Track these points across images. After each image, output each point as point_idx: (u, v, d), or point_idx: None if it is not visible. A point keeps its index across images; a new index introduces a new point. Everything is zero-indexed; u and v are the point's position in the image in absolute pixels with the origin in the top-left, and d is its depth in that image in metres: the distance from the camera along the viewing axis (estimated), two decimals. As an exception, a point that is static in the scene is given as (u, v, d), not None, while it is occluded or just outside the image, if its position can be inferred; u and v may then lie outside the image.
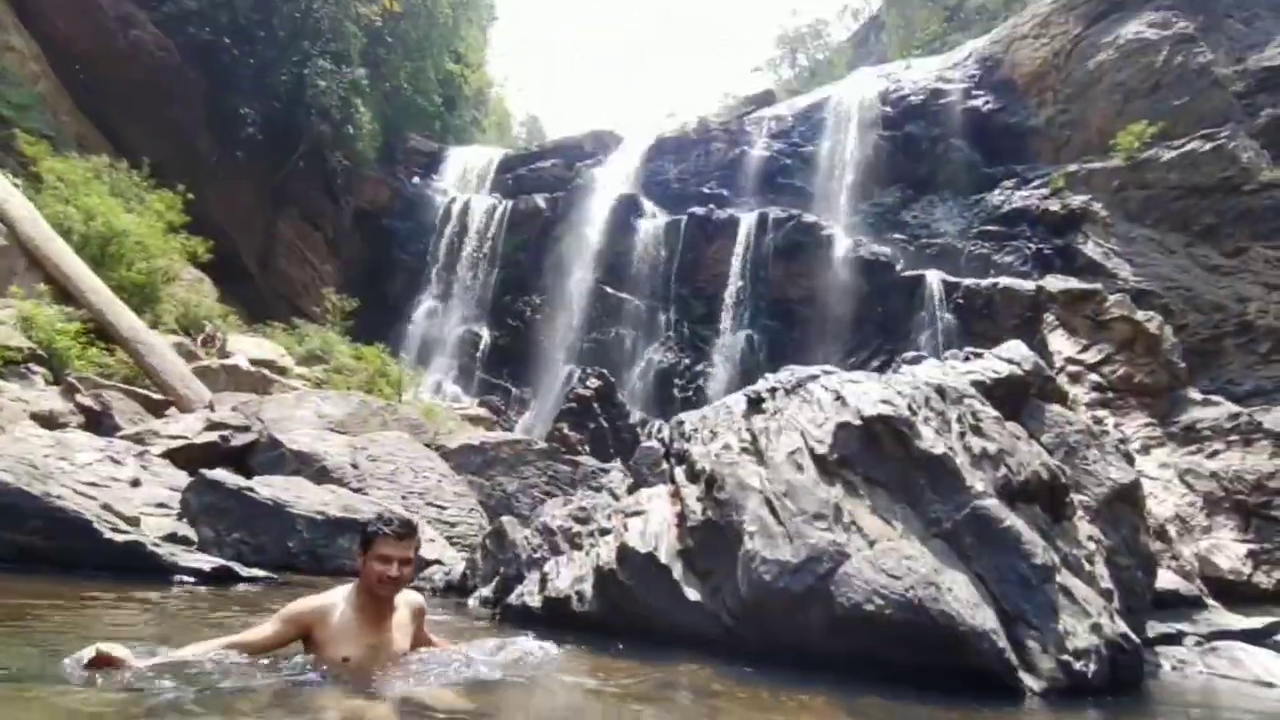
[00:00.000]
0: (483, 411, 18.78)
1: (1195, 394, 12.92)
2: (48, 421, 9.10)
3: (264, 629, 2.94)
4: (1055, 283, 14.79)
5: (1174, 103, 16.95)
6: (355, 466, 9.08)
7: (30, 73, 18.64)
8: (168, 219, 15.96)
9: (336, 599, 3.02)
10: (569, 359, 22.12)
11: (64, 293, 12.17)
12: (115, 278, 13.34)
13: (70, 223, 13.34)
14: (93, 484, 6.81)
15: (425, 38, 27.55)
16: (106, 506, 5.64)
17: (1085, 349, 13.48)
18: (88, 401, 9.90)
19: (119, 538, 5.07)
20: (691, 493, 4.95)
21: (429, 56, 28.18)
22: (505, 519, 6.09)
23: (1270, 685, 5.37)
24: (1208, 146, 16.00)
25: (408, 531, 3.08)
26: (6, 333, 9.76)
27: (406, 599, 3.27)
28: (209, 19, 20.39)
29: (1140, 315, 13.18)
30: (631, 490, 6.19)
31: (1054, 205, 17.80)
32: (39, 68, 18.91)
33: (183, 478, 8.16)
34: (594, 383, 17.14)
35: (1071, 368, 13.23)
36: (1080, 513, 5.49)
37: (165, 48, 20.37)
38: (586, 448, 15.69)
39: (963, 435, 4.83)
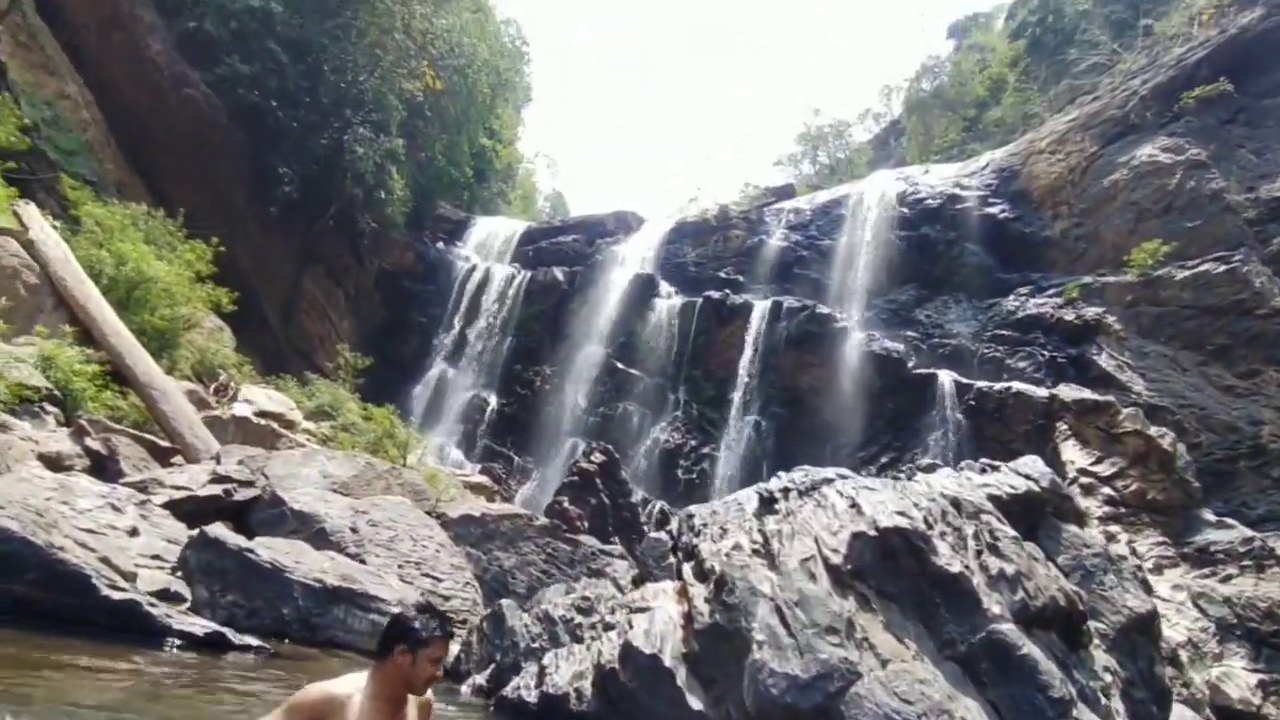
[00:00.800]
0: (484, 479, 18.62)
1: (1209, 515, 12.73)
2: (54, 463, 9.07)
3: None
4: (1069, 392, 14.82)
5: (1186, 224, 17.31)
6: (355, 531, 8.95)
7: (80, 120, 19.42)
8: (196, 268, 16.30)
9: (350, 689, 2.85)
10: (574, 432, 22.04)
11: (86, 334, 12.33)
12: (138, 322, 13.54)
13: (101, 266, 13.64)
14: (91, 531, 6.73)
15: (463, 113, 28.66)
16: (105, 560, 5.56)
17: (1098, 461, 13.38)
18: (95, 445, 9.88)
19: (115, 595, 4.97)
20: (699, 593, 4.86)
21: (464, 131, 29.25)
22: (505, 603, 5.95)
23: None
24: (1221, 269, 16.23)
25: (453, 630, 3.06)
26: (26, 372, 9.84)
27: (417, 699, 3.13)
28: (259, 83, 21.33)
29: (1154, 430, 13.14)
30: (637, 583, 6.07)
31: (1068, 315, 17.97)
32: (89, 115, 19.72)
33: (181, 530, 8.07)
34: (598, 457, 17.00)
35: (1084, 479, 13.10)
36: (1097, 641, 5.34)
37: (214, 107, 21.25)
38: (586, 524, 15.44)
39: (980, 554, 4.75)
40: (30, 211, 13.23)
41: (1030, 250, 20.17)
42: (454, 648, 6.42)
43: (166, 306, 14.44)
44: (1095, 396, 14.43)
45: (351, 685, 2.86)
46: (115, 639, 4.79)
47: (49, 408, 10.21)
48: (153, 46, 20.28)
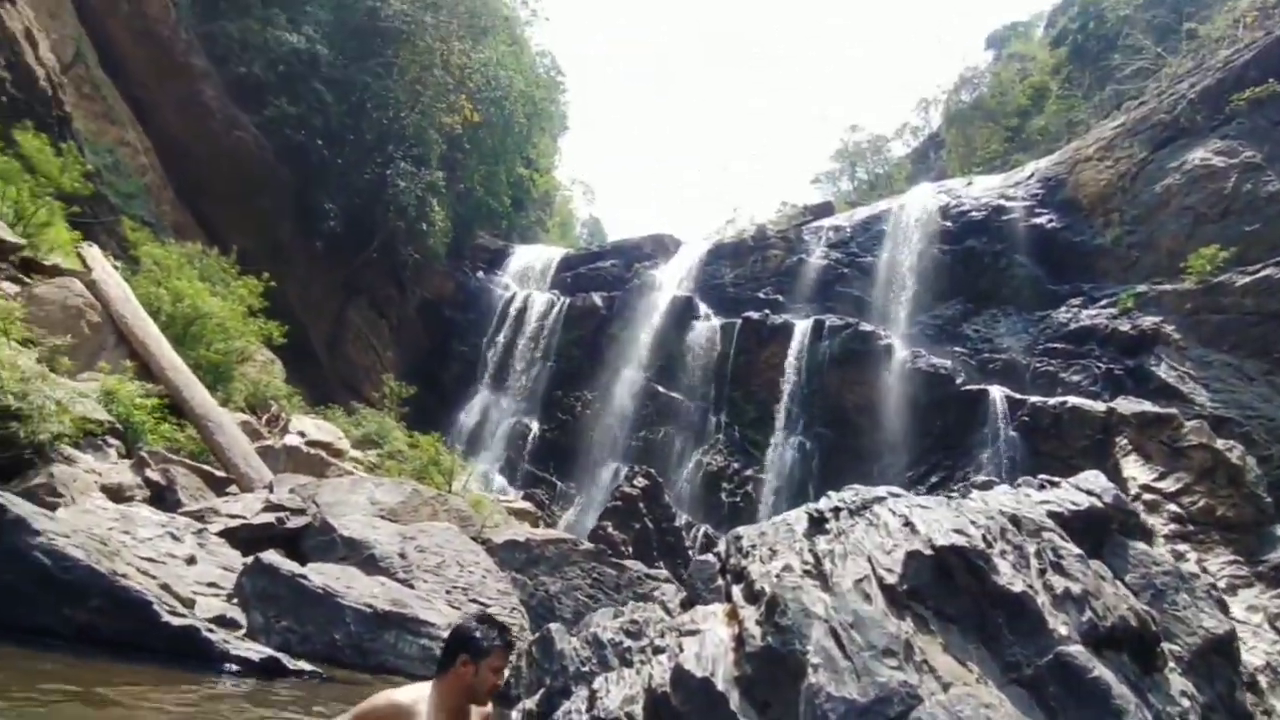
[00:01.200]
0: (527, 505, 18.67)
1: (1286, 532, 12.08)
2: (116, 494, 9.36)
3: None
4: (1128, 405, 14.26)
5: (1245, 228, 16.69)
6: (403, 556, 9.03)
7: (139, 165, 20.37)
8: (248, 303, 16.84)
9: (415, 698, 2.89)
10: (616, 457, 22.03)
11: (145, 368, 12.79)
12: (194, 356, 14.01)
13: (160, 303, 14.18)
14: (152, 560, 6.93)
15: (500, 144, 29.28)
16: (165, 587, 5.70)
17: (1162, 477, 12.83)
18: (155, 476, 10.19)
19: (175, 621, 5.08)
20: (750, 615, 4.74)
21: (502, 161, 29.87)
22: (553, 627, 5.91)
23: None
24: (1284, 273, 15.60)
25: (514, 640, 3.13)
26: (90, 406, 10.20)
27: (481, 709, 3.16)
28: (305, 122, 22.12)
29: (1221, 443, 12.56)
30: (685, 606, 5.97)
31: (1124, 325, 17.40)
32: (148, 161, 20.67)
33: (236, 557, 8.24)
34: (641, 482, 16.94)
35: (1148, 496, 12.56)
36: (1171, 664, 5.06)
37: (263, 147, 22.10)
38: (630, 548, 15.34)
39: (1043, 573, 4.56)
40: (93, 253, 13.84)
41: (1081, 260, 19.64)
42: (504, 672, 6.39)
43: (221, 341, 14.92)
44: (1157, 409, 13.86)
45: (416, 694, 2.91)
46: (174, 664, 4.88)
47: (111, 440, 10.57)
48: (205, 92, 21.24)
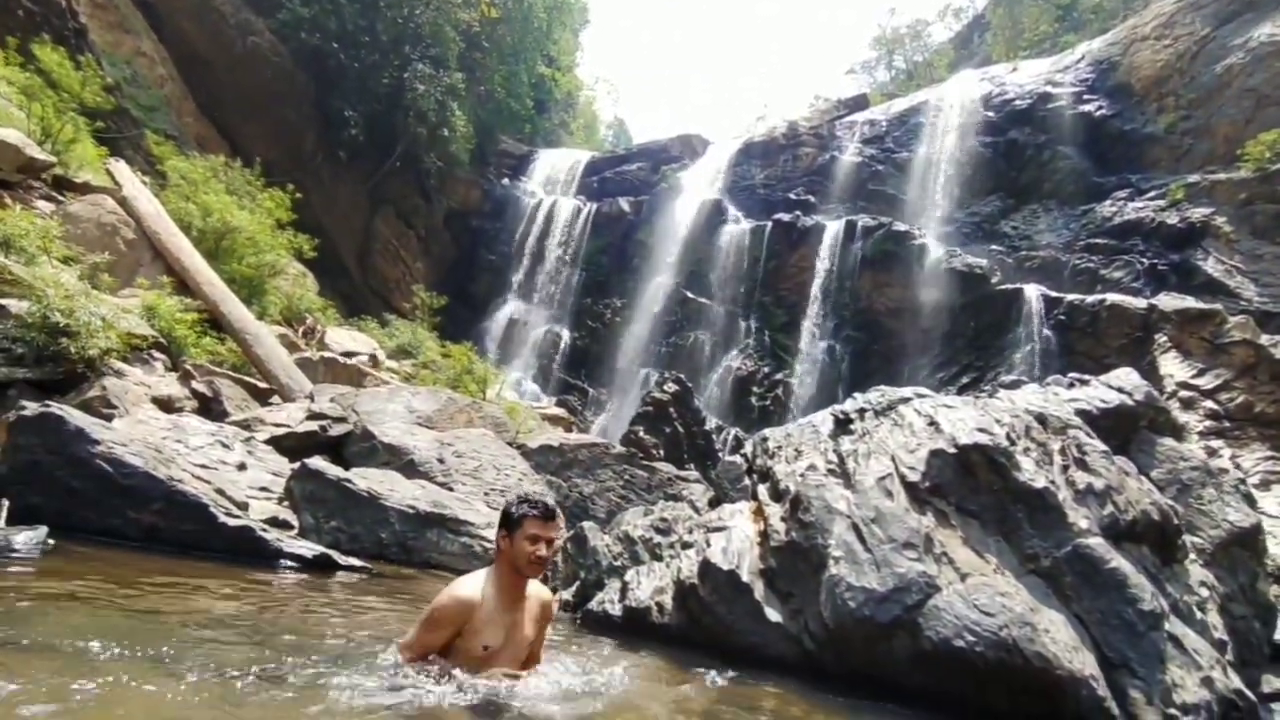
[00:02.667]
0: (560, 411, 19.09)
1: (1326, 428, 11.92)
2: (165, 405, 9.77)
3: (436, 637, 2.98)
4: (1170, 301, 13.91)
5: (1312, 110, 15.65)
6: (442, 461, 9.37)
7: (158, 76, 20.09)
8: (276, 216, 16.91)
9: (476, 590, 3.03)
10: (647, 362, 22.24)
11: (182, 284, 13.06)
12: (228, 271, 14.23)
13: (190, 219, 14.30)
14: (204, 466, 7.30)
15: (519, 42, 28.23)
16: (220, 491, 6.03)
17: (1200, 374, 12.64)
18: (201, 388, 10.59)
19: (232, 522, 5.40)
20: (775, 512, 4.90)
21: (522, 61, 28.87)
22: (586, 525, 6.16)
23: None
24: (1350, 158, 14.70)
25: (554, 513, 3.14)
26: (134, 321, 10.52)
27: (538, 592, 3.29)
28: (319, 25, 21.49)
29: (1265, 339, 12.27)
30: (713, 504, 6.17)
31: (1171, 218, 16.70)
32: (165, 71, 20.36)
33: (284, 463, 8.64)
34: (671, 387, 17.14)
35: (1184, 393, 12.43)
36: (1193, 556, 5.15)
37: (279, 53, 21.60)
38: (661, 452, 15.71)
39: (1066, 469, 4.60)
40: (121, 169, 13.90)
41: (1130, 150, 18.68)
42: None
43: (252, 255, 15.09)
44: (1200, 305, 13.50)
45: (475, 583, 3.06)
46: (234, 561, 5.23)
47: (156, 354, 10.94)
48: (217, -4, 20.63)
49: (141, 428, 7.45)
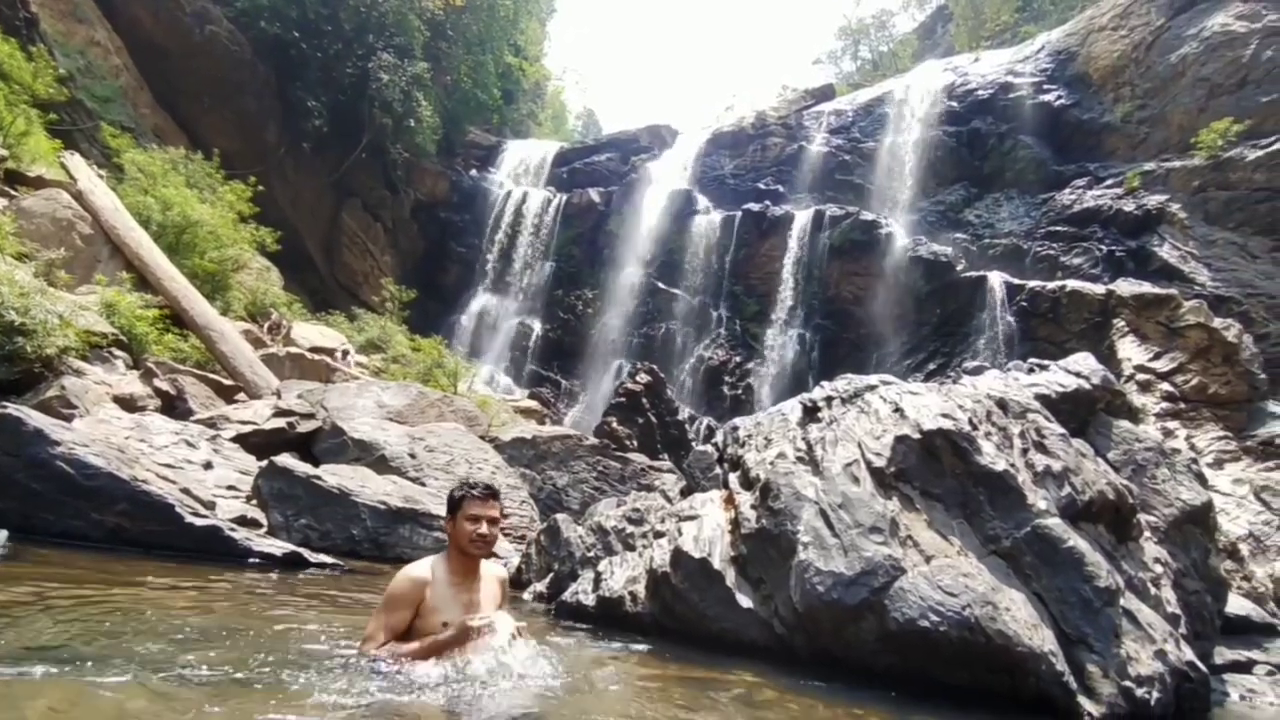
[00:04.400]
0: (533, 404, 19.06)
1: (1275, 407, 12.34)
2: (128, 404, 9.58)
3: (395, 619, 3.07)
4: (1127, 287, 14.27)
5: (1262, 99, 16.10)
6: (413, 456, 9.33)
7: (113, 66, 19.52)
8: (238, 209, 16.59)
9: (427, 570, 3.20)
10: (619, 354, 22.26)
11: (142, 280, 12.77)
12: (189, 266, 13.94)
13: (149, 212, 13.97)
14: (169, 466, 7.18)
15: (485, 31, 27.90)
16: (186, 490, 5.94)
17: (1157, 357, 12.99)
18: (164, 386, 10.39)
19: (199, 521, 5.34)
20: (746, 500, 4.97)
21: (489, 50, 28.54)
22: (560, 517, 6.20)
23: (1348, 722, 5.13)
24: (1297, 146, 15.19)
25: (492, 493, 3.30)
26: (92, 319, 10.28)
27: (494, 572, 3.45)
28: (279, 13, 21.04)
29: (1218, 323, 12.64)
30: (685, 494, 6.24)
31: (1128, 205, 17.11)
32: (120, 61, 19.78)
33: (251, 461, 8.53)
34: (644, 378, 17.17)
35: (1141, 376, 12.77)
36: (1147, 534, 5.33)
37: (238, 42, 21.11)
38: (634, 442, 15.76)
39: (1025, 452, 4.73)
40: (76, 162, 13.53)
41: (1088, 138, 19.08)
42: (514, 559, 6.76)
43: (214, 249, 14.80)
44: (1155, 290, 13.87)
45: (427, 565, 3.23)
46: (202, 560, 5.17)
47: (117, 352, 10.70)
48: (172, -16, 20.08)
49: (103, 427, 7.30)
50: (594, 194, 25.32)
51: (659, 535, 5.30)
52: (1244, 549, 9.60)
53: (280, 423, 9.58)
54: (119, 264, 12.85)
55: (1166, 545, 5.49)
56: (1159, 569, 5.13)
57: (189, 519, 5.31)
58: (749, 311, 21.25)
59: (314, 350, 15.09)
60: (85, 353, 9.74)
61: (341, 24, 22.16)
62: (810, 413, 5.48)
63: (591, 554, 5.71)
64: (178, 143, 18.45)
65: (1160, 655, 4.19)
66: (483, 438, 11.21)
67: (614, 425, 16.07)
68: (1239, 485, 11.28)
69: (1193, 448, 11.41)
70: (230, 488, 7.78)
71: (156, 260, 13.07)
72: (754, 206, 21.93)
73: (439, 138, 25.49)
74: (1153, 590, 4.84)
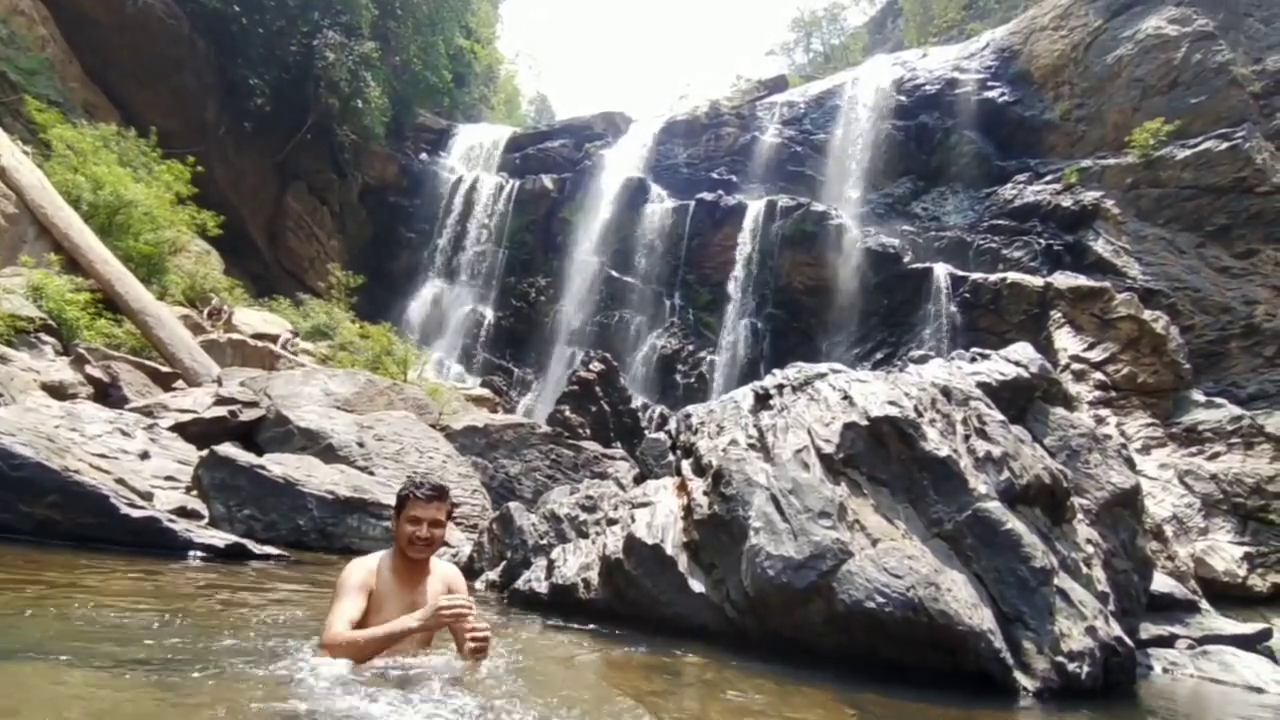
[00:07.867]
0: (485, 392, 18.86)
1: (1199, 395, 12.99)
2: (57, 392, 9.17)
3: (351, 606, 2.98)
4: (1064, 279, 14.82)
5: (1191, 101, 16.81)
6: (362, 445, 9.15)
7: (38, 37, 18.49)
8: (176, 190, 15.94)
9: (373, 561, 3.15)
10: (572, 342, 22.16)
11: (72, 262, 12.20)
12: (123, 248, 13.36)
13: (79, 191, 13.33)
14: (104, 455, 6.90)
15: (436, 11, 27.28)
16: (121, 481, 5.72)
17: (1091, 347, 13.54)
18: (96, 373, 9.97)
19: (135, 513, 5.14)
20: (698, 486, 5.03)
21: (440, 31, 27.91)
22: (512, 505, 6.16)
23: (1259, 691, 5.46)
24: (1223, 146, 15.89)
25: (438, 494, 3.19)
26: (18, 302, 9.80)
27: (444, 573, 3.35)
28: (219, -13, 20.21)
29: (1147, 315, 13.23)
30: (638, 481, 6.27)
31: (1066, 201, 17.71)
32: (47, 32, 18.75)
33: (191, 451, 8.26)
34: (597, 366, 17.15)
35: (1076, 365, 13.29)
36: (1080, 516, 5.57)
37: (175, 16, 20.21)
38: (587, 431, 15.75)
39: (967, 438, 4.88)
40: (-2, 138, 12.82)
41: (1030, 135, 19.67)
42: (466, 548, 6.70)
43: (150, 231, 14.21)
44: (1090, 283, 14.44)
45: (373, 559, 3.19)
46: (139, 554, 4.99)
47: (45, 338, 10.23)
48: (102, -49, 19.09)
49: (31, 416, 6.97)
50: (547, 180, 25.07)
51: (612, 522, 5.32)
52: (1168, 530, 10.12)
53: (222, 411, 9.29)
54: (47, 244, 12.25)
55: (1098, 527, 5.76)
56: (1090, 549, 5.37)
57: (125, 510, 5.11)
58: (702, 300, 21.37)
59: (257, 337, 14.64)
60: (11, 338, 9.29)
61: (284, 0, 21.42)
62: (762, 400, 5.56)
63: (544, 542, 5.70)
64: (110, 119, 17.60)
65: (1091, 631, 4.40)
66: (433, 426, 11.06)
67: (567, 413, 16.02)
68: (1164, 470, 11.88)
69: (1123, 434, 11.94)
70: (169, 478, 7.53)
71: (88, 241, 12.50)
72: (708, 196, 22.01)
73: (388, 120, 24.87)
74: (1084, 570, 5.06)
